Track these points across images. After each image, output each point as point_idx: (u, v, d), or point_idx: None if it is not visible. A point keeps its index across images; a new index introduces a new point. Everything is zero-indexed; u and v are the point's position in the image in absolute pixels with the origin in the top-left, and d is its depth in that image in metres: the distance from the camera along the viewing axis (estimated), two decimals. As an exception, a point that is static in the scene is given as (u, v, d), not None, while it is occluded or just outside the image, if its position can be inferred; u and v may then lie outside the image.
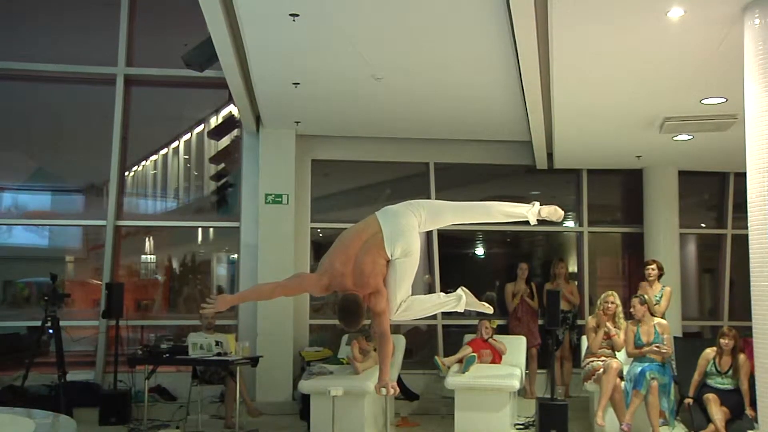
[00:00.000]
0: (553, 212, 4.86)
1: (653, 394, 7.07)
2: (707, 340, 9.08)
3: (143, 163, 10.48)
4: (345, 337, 8.54)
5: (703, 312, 10.71)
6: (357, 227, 4.40)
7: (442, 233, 9.88)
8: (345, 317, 4.24)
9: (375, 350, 7.76)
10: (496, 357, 8.16)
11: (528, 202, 4.81)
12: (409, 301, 4.54)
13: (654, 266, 8.25)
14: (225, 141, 10.11)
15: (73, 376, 8.32)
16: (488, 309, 5.04)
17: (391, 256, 4.32)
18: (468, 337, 8.46)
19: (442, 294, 4.89)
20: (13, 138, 9.78)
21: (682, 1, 5.45)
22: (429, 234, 9.90)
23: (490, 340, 8.26)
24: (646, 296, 7.75)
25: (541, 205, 4.81)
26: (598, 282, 10.34)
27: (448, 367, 7.92)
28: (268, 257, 9.02)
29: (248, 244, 9.31)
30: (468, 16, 6.23)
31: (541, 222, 4.81)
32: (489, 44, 6.66)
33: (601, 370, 7.34)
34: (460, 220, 4.77)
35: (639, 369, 7.19)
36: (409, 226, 4.41)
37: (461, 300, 4.88)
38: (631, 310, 7.56)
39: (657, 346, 7.29)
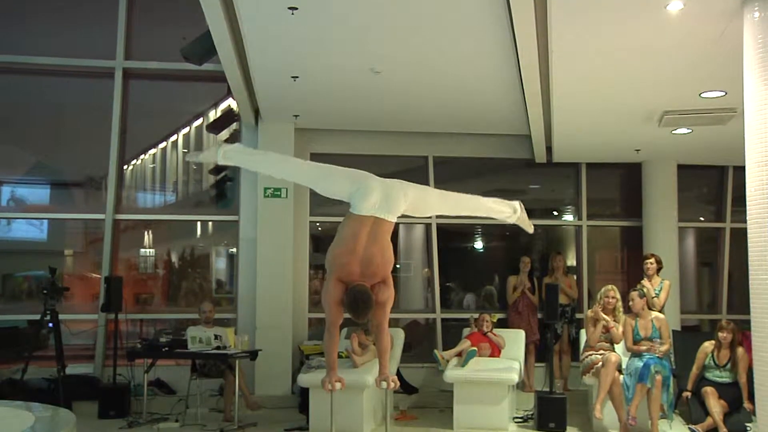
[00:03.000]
0: (528, 224, 4.99)
1: (657, 388, 7.08)
2: (706, 333, 9.10)
3: (142, 156, 10.48)
4: (344, 331, 8.54)
5: (701, 305, 10.73)
6: (352, 227, 4.32)
7: (441, 227, 9.90)
8: (355, 308, 4.24)
9: (374, 344, 7.76)
10: (495, 351, 8.17)
11: (515, 198, 4.88)
12: (454, 198, 4.64)
13: (653, 260, 8.24)
14: (224, 134, 10.09)
15: (73, 369, 8.36)
16: (531, 228, 5.04)
17: (404, 208, 4.40)
18: (467, 331, 8.47)
19: (499, 200, 4.85)
20: (11, 131, 9.77)
21: (682, -5, 5.45)
22: (428, 227, 9.92)
23: (488, 333, 8.27)
24: (645, 289, 7.75)
25: (521, 210, 4.89)
26: (597, 276, 10.35)
27: (447, 361, 7.92)
28: (267, 251, 9.03)
29: (247, 237, 9.31)
30: (467, 9, 6.21)
31: (539, 216, 4.88)
32: (488, 37, 6.65)
33: (600, 363, 7.34)
34: (445, 210, 4.75)
35: (642, 362, 7.18)
36: (394, 187, 4.43)
37: (517, 213, 4.86)
38: (630, 303, 7.55)
39: (653, 347, 7.27)
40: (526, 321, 9.19)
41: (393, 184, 4.44)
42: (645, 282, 8.10)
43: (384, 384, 4.60)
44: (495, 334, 8.31)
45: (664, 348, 7.33)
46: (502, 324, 8.99)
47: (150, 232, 10.20)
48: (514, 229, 10.54)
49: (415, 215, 4.66)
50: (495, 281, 10.35)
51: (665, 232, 9.60)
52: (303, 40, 6.81)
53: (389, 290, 4.34)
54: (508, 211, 4.85)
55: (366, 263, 4.24)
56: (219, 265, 10.54)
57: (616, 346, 7.58)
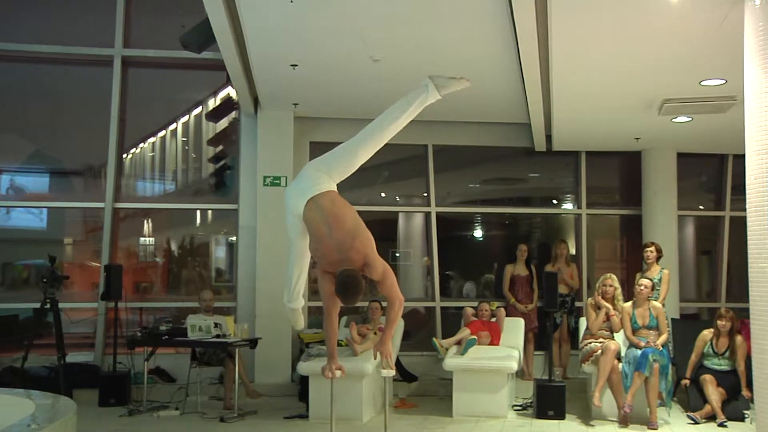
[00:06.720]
0: (456, 83, 4.60)
1: (655, 376, 7.10)
2: (704, 321, 9.11)
3: (141, 145, 10.46)
4: (343, 319, 8.56)
5: (700, 294, 10.74)
6: (309, 225, 4.44)
7: (441, 216, 9.89)
8: (344, 292, 4.28)
9: (375, 333, 7.79)
10: (495, 339, 8.18)
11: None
12: (366, 133, 4.58)
13: (653, 248, 8.24)
14: (223, 123, 10.08)
15: (73, 357, 8.36)
16: (465, 83, 4.66)
17: (329, 176, 4.49)
18: (469, 311, 8.48)
19: (406, 98, 4.60)
20: (10, 120, 9.74)
21: (682, -18, 5.43)
22: (428, 216, 9.91)
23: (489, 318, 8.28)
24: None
25: (432, 79, 4.56)
26: (597, 264, 10.36)
27: (446, 349, 7.94)
28: (266, 239, 9.02)
29: (246, 226, 9.30)
30: (467, -4, 6.20)
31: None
32: (488, 25, 6.63)
33: (599, 351, 7.36)
34: (371, 146, 4.60)
35: (640, 351, 7.20)
36: (303, 173, 4.59)
37: (428, 87, 4.56)
38: (641, 288, 7.53)
39: (651, 341, 7.28)
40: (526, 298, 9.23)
41: (301, 172, 4.64)
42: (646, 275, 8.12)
43: (380, 360, 4.65)
44: (495, 313, 8.35)
45: (661, 340, 7.34)
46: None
47: (149, 220, 10.20)
48: (514, 218, 10.66)
49: (352, 170, 4.65)
50: (495, 269, 10.36)
51: (665, 220, 9.59)
52: (302, 27, 6.79)
53: (376, 267, 4.36)
54: (421, 97, 4.57)
55: (339, 248, 4.31)
56: (218, 253, 10.55)
57: (615, 334, 7.60)
